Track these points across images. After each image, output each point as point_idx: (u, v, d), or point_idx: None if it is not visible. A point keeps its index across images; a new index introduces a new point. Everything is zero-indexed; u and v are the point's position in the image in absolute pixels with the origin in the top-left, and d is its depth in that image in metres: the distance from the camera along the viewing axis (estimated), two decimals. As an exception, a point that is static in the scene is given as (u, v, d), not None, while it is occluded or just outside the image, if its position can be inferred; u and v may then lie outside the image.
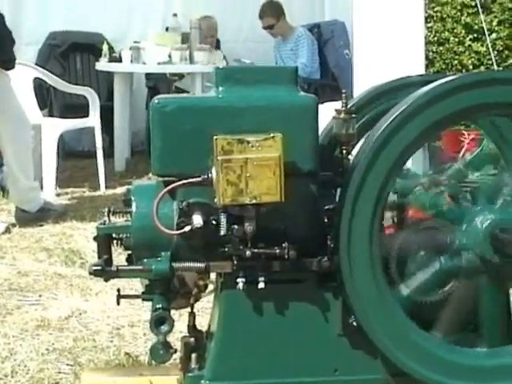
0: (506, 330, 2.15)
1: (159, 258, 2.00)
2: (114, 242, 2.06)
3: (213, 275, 2.12)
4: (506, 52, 9.17)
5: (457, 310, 2.05)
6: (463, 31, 8.98)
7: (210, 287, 2.19)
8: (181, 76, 6.82)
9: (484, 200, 2.04)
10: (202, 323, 2.37)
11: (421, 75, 2.54)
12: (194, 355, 2.15)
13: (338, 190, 2.03)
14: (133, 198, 2.04)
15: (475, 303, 2.06)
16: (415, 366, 1.98)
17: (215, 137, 1.84)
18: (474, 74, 2.60)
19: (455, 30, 9.00)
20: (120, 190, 5.67)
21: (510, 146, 2.31)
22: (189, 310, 2.23)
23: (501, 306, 2.14)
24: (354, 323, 2.00)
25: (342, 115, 2.06)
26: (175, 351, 2.08)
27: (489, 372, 2.05)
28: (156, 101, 1.98)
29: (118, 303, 2.17)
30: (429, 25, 8.77)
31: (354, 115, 2.08)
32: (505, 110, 2.05)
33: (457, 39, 9.00)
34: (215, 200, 1.87)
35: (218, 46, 7.39)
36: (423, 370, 1.99)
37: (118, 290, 2.18)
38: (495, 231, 1.96)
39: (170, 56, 6.56)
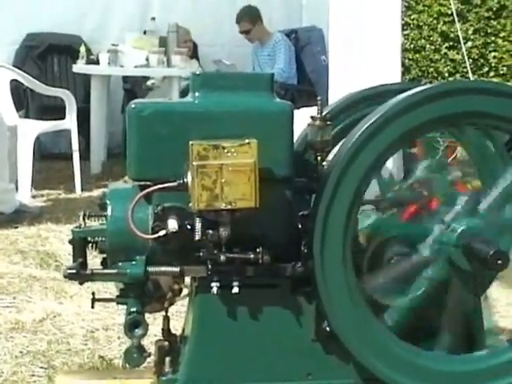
0: (479, 336, 2.18)
1: (134, 262, 2.00)
2: (89, 245, 2.06)
3: (187, 279, 2.13)
4: (482, 60, 9.26)
5: (431, 317, 2.07)
6: (439, 39, 9.06)
7: (185, 291, 2.20)
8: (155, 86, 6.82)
9: (455, 208, 2.07)
10: (176, 327, 2.37)
11: (396, 83, 2.58)
12: (167, 359, 2.16)
13: (313, 196, 2.05)
14: (108, 202, 2.04)
15: (449, 310, 2.08)
16: (387, 371, 2.00)
17: (191, 142, 1.86)
18: (449, 83, 2.63)
19: (431, 38, 9.08)
20: (96, 192, 5.65)
21: (481, 155, 2.34)
22: (163, 313, 2.24)
23: (474, 312, 2.16)
24: (328, 328, 2.01)
25: (317, 122, 2.08)
26: (149, 355, 2.08)
27: (462, 377, 2.07)
28: (132, 105, 1.99)
29: (93, 306, 2.17)
30: (405, 32, 8.85)
31: (329, 122, 2.10)
32: (479, 119, 2.07)
33: (433, 47, 9.08)
34: (190, 205, 1.88)
35: (195, 49, 7.40)
36: (395, 375, 2.01)
37: (93, 294, 2.18)
38: (467, 239, 1.98)
39: (147, 59, 6.56)
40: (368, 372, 2.02)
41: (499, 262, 1.90)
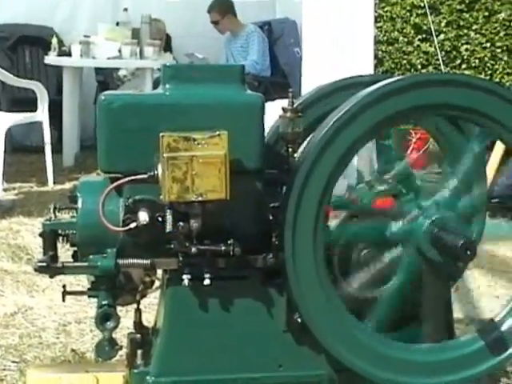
0: (448, 325, 2.20)
1: (105, 255, 1.99)
2: (60, 238, 2.05)
3: (159, 271, 2.13)
4: (454, 53, 9.30)
5: (400, 307, 2.09)
6: (412, 31, 9.09)
7: (157, 283, 2.19)
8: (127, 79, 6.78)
9: (425, 198, 2.08)
10: (148, 319, 2.37)
11: (367, 75, 2.58)
12: (139, 351, 2.16)
13: (284, 188, 2.05)
14: (79, 195, 2.03)
15: (418, 300, 2.09)
16: (358, 362, 2.02)
17: (161, 134, 1.85)
18: (420, 75, 2.65)
19: (404, 30, 9.11)
20: (68, 185, 5.62)
21: (451, 147, 2.36)
22: (135, 306, 2.23)
23: (443, 302, 2.18)
24: (299, 320, 2.02)
25: (289, 114, 2.08)
26: (121, 348, 2.08)
27: (432, 367, 2.09)
28: (103, 97, 1.98)
29: (64, 299, 2.16)
30: (378, 24, 8.87)
31: (300, 114, 2.10)
32: (449, 111, 2.08)
33: (406, 39, 9.11)
34: (161, 197, 1.88)
35: (168, 41, 7.37)
36: (366, 366, 2.02)
37: (64, 287, 2.17)
38: (436, 230, 2.00)
39: (119, 51, 6.53)
40: (339, 363, 2.03)
41: (468, 252, 1.91)
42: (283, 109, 2.09)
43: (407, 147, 5.23)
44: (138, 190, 1.97)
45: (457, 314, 2.89)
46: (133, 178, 1.94)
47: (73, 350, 2.92)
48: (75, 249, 2.06)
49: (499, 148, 4.96)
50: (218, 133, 1.86)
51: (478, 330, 2.15)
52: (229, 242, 1.95)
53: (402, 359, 2.05)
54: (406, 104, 1.98)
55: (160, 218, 1.94)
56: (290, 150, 2.09)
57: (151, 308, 2.76)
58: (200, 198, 1.86)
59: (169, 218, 1.92)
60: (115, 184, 1.95)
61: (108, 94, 2.00)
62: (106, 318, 2.01)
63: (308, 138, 2.12)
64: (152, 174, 1.90)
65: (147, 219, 1.93)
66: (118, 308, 2.07)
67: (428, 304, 2.09)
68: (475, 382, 2.18)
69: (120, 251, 2.00)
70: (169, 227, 1.92)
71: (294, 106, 2.10)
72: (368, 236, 2.09)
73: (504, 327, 2.11)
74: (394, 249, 2.04)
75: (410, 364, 2.06)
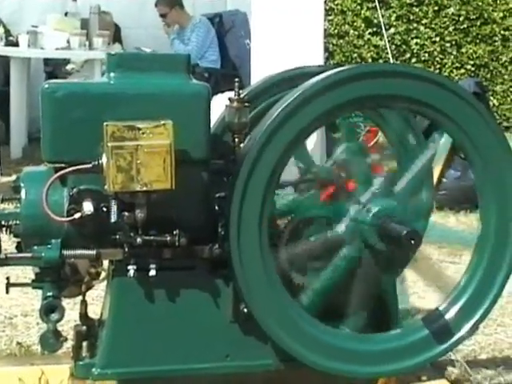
0: (393, 315, 2.22)
1: (49, 246, 1.97)
2: (3, 229, 2.02)
3: (105, 262, 2.11)
4: (404, 47, 9.38)
5: (346, 297, 2.10)
6: (363, 25, 9.14)
7: (104, 275, 2.17)
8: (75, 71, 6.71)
9: (370, 189, 2.09)
10: (97, 312, 2.35)
11: (315, 66, 2.58)
12: (85, 343, 2.14)
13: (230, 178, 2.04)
14: (22, 185, 2.00)
15: (363, 290, 2.11)
16: (304, 351, 2.02)
17: (105, 123, 1.83)
18: (366, 66, 2.66)
19: (355, 24, 9.16)
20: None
21: (400, 140, 2.38)
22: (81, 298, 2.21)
23: (388, 292, 2.20)
24: (245, 310, 2.02)
25: (235, 104, 2.07)
26: (65, 339, 2.06)
27: (376, 356, 2.11)
28: (46, 86, 1.95)
29: (7, 292, 2.12)
30: (329, 18, 8.90)
31: (246, 104, 2.10)
32: (396, 103, 2.10)
33: (356, 33, 9.16)
34: (106, 187, 1.86)
35: (117, 32, 7.30)
36: (312, 356, 2.03)
37: (7, 279, 2.14)
38: (381, 220, 2.01)
39: (68, 41, 6.46)
40: (285, 352, 2.04)
41: (412, 241, 1.93)
42: (230, 99, 2.08)
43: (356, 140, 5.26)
44: (83, 180, 1.95)
45: (403, 304, 2.93)
46: (77, 167, 1.91)
47: (19, 343, 2.88)
48: (19, 240, 2.03)
49: (447, 141, 5.01)
50: (163, 122, 1.85)
51: (422, 319, 2.18)
52: (174, 232, 1.94)
53: (347, 349, 2.07)
54: (353, 94, 1.99)
55: (105, 209, 1.92)
56: (237, 139, 2.09)
57: (100, 300, 2.73)
58: (145, 188, 1.85)
59: (113, 208, 1.90)
60: (59, 174, 1.93)
61: (51, 83, 1.97)
62: (50, 309, 1.99)
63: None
64: (96, 163, 1.88)
65: (92, 209, 1.91)
66: (66, 300, 2.05)
67: (371, 293, 2.11)
68: (420, 370, 2.21)
69: (65, 242, 1.97)
70: (114, 217, 1.91)
71: (241, 96, 2.10)
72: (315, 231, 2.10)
73: (447, 316, 2.14)
74: (340, 236, 2.05)
75: (355, 353, 2.08)
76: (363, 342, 2.10)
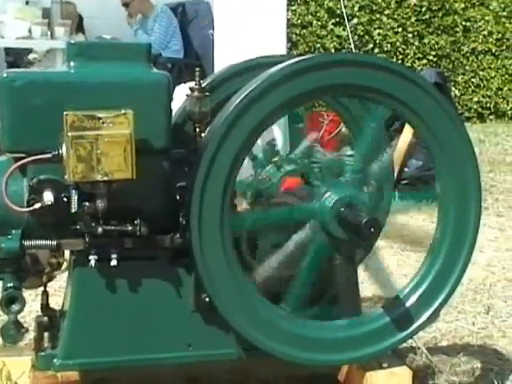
0: (355, 302, 2.24)
1: (9, 236, 1.96)
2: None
3: (66, 253, 2.10)
4: (367, 37, 9.44)
5: (309, 285, 2.11)
6: (326, 15, 9.18)
7: (65, 265, 2.16)
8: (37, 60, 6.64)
9: (331, 178, 2.11)
10: (59, 303, 2.34)
11: (277, 55, 2.59)
12: (46, 334, 2.13)
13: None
14: (-19, 175, 1.98)
15: (327, 278, 2.12)
16: (265, 340, 2.03)
17: (65, 112, 1.82)
18: (329, 55, 2.67)
19: (318, 14, 9.19)
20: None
21: (359, 128, 2.39)
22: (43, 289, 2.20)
23: (349, 280, 2.22)
24: (207, 299, 2.03)
25: (196, 93, 2.07)
26: (27, 331, 2.04)
27: (336, 343, 2.12)
28: (5, 74, 1.93)
29: (-34, 284, 2.11)
30: (293, 8, 8.93)
31: (207, 93, 2.10)
32: (356, 91, 2.11)
33: (320, 23, 9.19)
34: (66, 177, 1.85)
35: (80, 22, 7.24)
36: (273, 344, 2.04)
37: (-35, 270, 2.12)
38: (341, 209, 2.03)
39: (29, 31, 6.39)
40: (247, 341, 2.05)
41: (372, 230, 1.94)
42: (190, 88, 2.08)
43: (319, 129, 5.29)
44: (43, 170, 1.93)
45: (366, 292, 2.95)
46: (37, 157, 1.90)
47: (-20, 336, 2.85)
48: (-22, 230, 2.02)
49: (408, 130, 5.06)
50: (123, 111, 1.84)
51: (383, 306, 2.20)
52: (135, 222, 1.94)
53: (306, 336, 2.08)
54: (312, 83, 1.99)
55: (65, 199, 1.91)
56: (198, 129, 2.09)
57: (62, 291, 2.72)
58: (105, 178, 1.84)
59: (74, 198, 1.90)
60: (18, 164, 1.92)
61: (10, 72, 1.95)
62: (10, 300, 1.98)
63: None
64: (56, 153, 1.87)
65: (52, 199, 1.90)
66: (28, 291, 2.04)
67: (336, 282, 2.13)
68: (381, 358, 2.23)
69: (25, 232, 1.96)
70: (74, 207, 1.90)
71: (203, 85, 2.10)
72: (276, 219, 2.10)
73: (408, 303, 2.16)
74: (303, 230, 2.06)
75: (314, 340, 2.09)
76: (322, 329, 2.11)
